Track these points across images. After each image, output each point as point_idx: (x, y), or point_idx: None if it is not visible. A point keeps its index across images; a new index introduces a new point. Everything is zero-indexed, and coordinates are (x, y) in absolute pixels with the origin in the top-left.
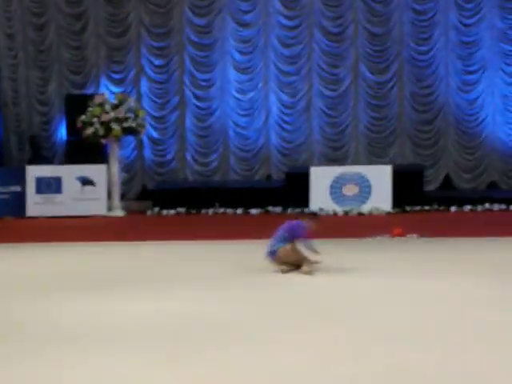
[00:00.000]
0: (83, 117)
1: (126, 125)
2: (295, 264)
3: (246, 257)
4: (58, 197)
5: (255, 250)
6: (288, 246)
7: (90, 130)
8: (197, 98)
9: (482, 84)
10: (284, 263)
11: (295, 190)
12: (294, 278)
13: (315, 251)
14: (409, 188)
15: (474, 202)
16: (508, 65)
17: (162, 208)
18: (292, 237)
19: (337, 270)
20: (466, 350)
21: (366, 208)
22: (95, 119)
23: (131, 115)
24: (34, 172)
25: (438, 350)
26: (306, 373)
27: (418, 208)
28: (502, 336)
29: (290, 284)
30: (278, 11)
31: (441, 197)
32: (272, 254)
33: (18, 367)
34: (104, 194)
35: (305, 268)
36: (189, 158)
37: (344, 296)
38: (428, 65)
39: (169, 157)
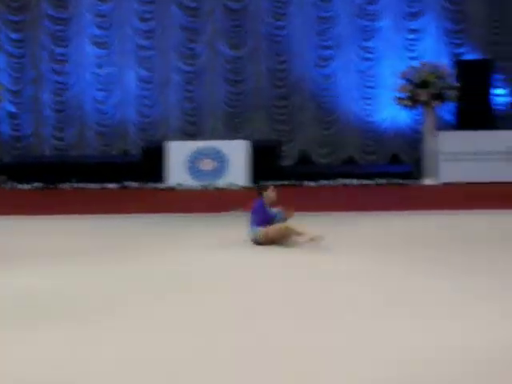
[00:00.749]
0: None
1: None
2: (283, 239)
3: (108, 232)
4: None
5: (115, 225)
6: (263, 230)
7: None
8: (54, 72)
9: (338, 59)
10: (273, 241)
11: (152, 164)
12: (166, 252)
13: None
14: (265, 163)
15: (331, 176)
16: (364, 40)
17: (18, 182)
18: (259, 219)
19: (192, 245)
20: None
21: (222, 183)
22: None
23: None
24: None
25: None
26: (171, 345)
27: (274, 183)
28: (367, 310)
29: (161, 259)
30: None
31: (297, 172)
32: (258, 243)
33: None
34: None
35: (300, 238)
36: (46, 132)
37: (211, 270)
38: (285, 40)
39: (26, 131)
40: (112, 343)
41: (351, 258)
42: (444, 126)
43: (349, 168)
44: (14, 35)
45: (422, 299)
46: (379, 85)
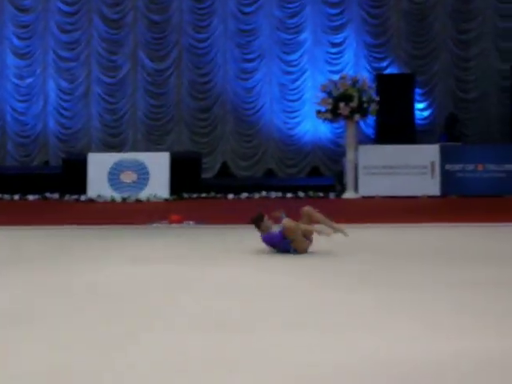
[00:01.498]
0: None
1: None
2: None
3: (27, 243)
4: None
5: (34, 237)
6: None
7: None
8: None
9: (260, 72)
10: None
11: (73, 176)
12: (83, 265)
13: None
14: (186, 175)
15: (251, 189)
16: (285, 53)
17: None
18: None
19: (116, 257)
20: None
21: (143, 195)
22: None
23: None
24: None
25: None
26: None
27: (195, 195)
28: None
29: (75, 272)
30: None
31: (218, 184)
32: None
33: None
34: None
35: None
36: None
37: (122, 282)
38: (206, 52)
39: None
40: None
41: (259, 272)
42: (365, 139)
43: (269, 181)
44: None
45: (336, 312)
46: (301, 98)
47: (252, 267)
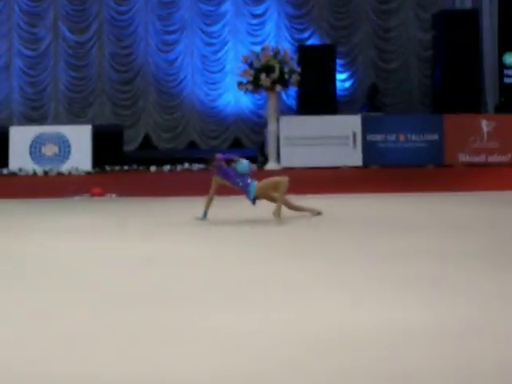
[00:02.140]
0: None
1: None
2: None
3: None
4: None
5: None
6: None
7: None
8: None
9: (182, 44)
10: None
11: None
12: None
13: None
14: (108, 148)
15: (174, 161)
16: (207, 25)
17: None
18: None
19: (37, 230)
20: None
21: (65, 168)
22: None
23: None
24: None
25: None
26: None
27: (117, 168)
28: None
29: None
30: None
31: (140, 157)
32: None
33: None
34: None
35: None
36: None
37: (48, 257)
38: (128, 25)
39: None
40: None
41: (188, 245)
42: (287, 110)
43: (192, 153)
44: None
45: (264, 285)
46: (222, 70)
47: (181, 239)
